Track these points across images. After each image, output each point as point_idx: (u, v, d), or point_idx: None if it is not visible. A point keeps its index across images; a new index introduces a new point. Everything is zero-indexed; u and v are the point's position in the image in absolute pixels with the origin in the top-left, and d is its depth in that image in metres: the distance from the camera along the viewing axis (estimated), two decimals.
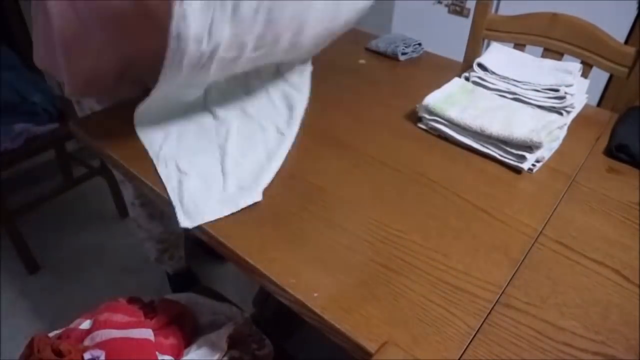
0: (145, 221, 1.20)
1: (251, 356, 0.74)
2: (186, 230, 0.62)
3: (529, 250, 0.61)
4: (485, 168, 0.77)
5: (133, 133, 0.81)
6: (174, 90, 0.73)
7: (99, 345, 0.63)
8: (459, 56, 1.21)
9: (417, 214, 0.66)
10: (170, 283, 1.43)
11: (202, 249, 1.56)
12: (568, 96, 0.84)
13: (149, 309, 0.77)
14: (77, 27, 0.76)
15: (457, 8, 2.02)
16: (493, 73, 0.93)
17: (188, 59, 0.62)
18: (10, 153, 1.34)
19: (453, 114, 0.81)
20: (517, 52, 1.06)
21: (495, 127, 0.77)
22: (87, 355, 0.61)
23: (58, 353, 0.61)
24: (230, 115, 0.82)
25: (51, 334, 0.68)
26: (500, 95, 0.89)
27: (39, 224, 1.70)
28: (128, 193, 1.16)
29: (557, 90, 0.85)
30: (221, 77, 0.83)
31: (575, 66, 0.94)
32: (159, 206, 1.16)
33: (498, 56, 1.00)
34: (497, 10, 1.86)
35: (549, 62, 0.98)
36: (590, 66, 1.08)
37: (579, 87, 0.89)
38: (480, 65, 0.95)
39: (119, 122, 0.84)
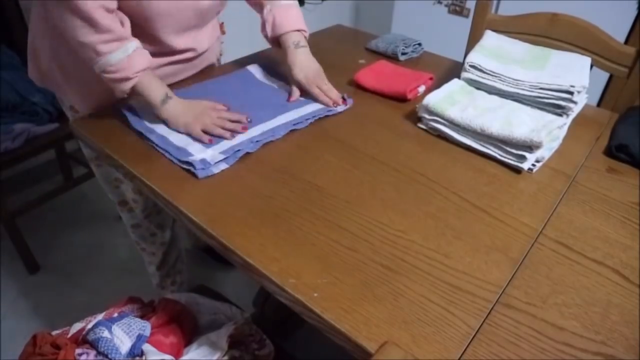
0: (147, 244, 1.19)
1: (251, 356, 0.74)
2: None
3: (529, 250, 0.61)
4: (485, 168, 0.77)
5: (133, 133, 0.81)
6: None
7: None
8: (459, 56, 1.21)
9: (417, 214, 0.66)
10: None
11: (202, 250, 1.56)
12: (576, 94, 0.79)
13: (149, 309, 0.77)
14: None
15: (457, 8, 2.02)
16: (488, 72, 0.89)
17: None
18: (10, 153, 1.34)
19: (453, 113, 0.81)
20: (512, 42, 1.01)
21: (495, 127, 0.77)
22: (78, 350, 0.63)
23: (56, 347, 0.64)
24: None
25: (53, 333, 0.69)
26: (500, 96, 0.88)
27: (39, 224, 1.70)
28: (126, 216, 1.13)
29: (570, 92, 0.79)
30: None
31: (585, 63, 0.91)
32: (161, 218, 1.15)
33: (492, 46, 0.97)
34: (497, 10, 1.86)
35: (556, 59, 0.93)
36: (591, 66, 1.08)
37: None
38: (473, 67, 0.90)
39: (120, 121, 0.84)
